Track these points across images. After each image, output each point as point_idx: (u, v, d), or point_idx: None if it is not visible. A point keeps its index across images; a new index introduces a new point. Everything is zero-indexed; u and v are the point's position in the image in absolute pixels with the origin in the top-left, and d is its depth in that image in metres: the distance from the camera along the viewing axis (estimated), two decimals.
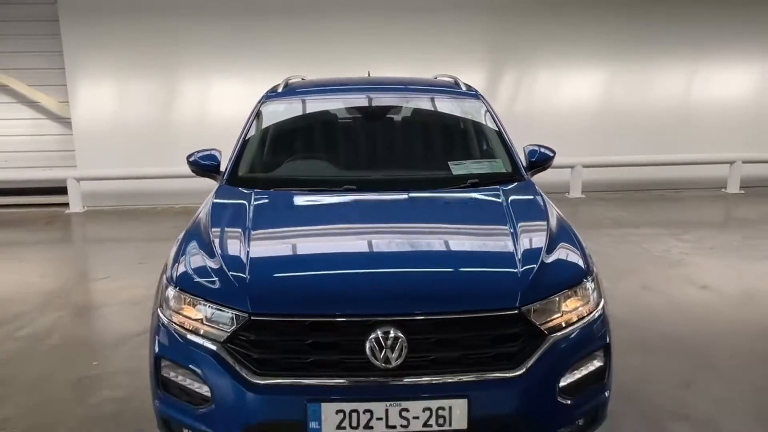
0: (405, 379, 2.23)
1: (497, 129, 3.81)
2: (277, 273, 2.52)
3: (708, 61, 9.22)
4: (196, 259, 2.60)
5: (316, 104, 4.13)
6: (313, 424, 2.19)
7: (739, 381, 3.61)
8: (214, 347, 2.30)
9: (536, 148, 3.73)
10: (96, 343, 4.34)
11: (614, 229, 7.08)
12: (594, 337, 2.46)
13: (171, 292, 2.49)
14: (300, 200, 3.20)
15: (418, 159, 3.71)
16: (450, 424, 2.20)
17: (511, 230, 2.72)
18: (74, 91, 8.54)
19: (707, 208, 8.32)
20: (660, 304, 4.78)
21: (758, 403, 3.38)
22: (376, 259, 2.58)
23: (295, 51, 8.49)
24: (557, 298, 2.40)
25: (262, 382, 2.23)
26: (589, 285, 2.54)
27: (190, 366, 2.34)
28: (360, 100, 4.05)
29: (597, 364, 2.48)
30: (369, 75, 4.82)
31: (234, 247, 2.61)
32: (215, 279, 2.44)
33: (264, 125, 3.87)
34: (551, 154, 3.71)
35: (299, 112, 4.09)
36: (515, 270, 2.45)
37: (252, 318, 2.27)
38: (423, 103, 4.11)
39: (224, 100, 8.62)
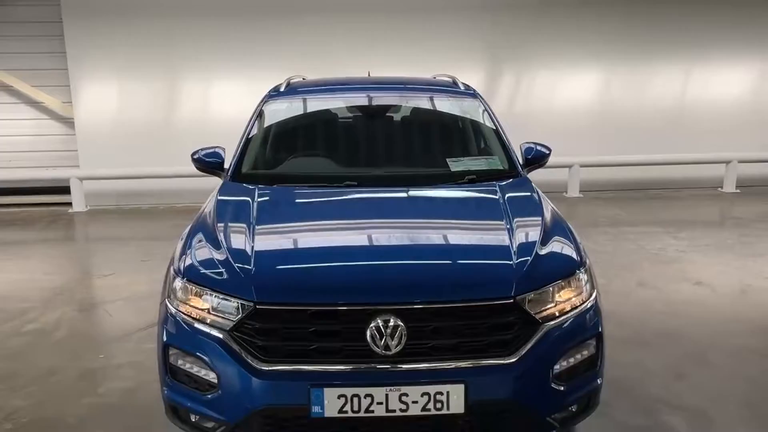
0: (404, 366, 2.32)
1: (494, 127, 3.90)
2: (281, 264, 2.62)
3: (704, 62, 9.32)
4: (203, 251, 2.70)
5: (317, 103, 4.22)
6: (316, 408, 2.28)
7: (731, 373, 3.70)
8: (220, 335, 2.39)
9: (532, 145, 3.83)
10: (101, 337, 4.43)
11: (611, 227, 7.17)
12: (586, 326, 2.55)
13: (178, 283, 2.59)
14: (302, 195, 3.29)
15: (417, 156, 3.80)
16: (447, 409, 2.30)
17: (507, 224, 2.81)
18: (77, 91, 8.63)
19: (703, 207, 8.41)
20: (655, 300, 4.87)
21: (749, 393, 3.47)
22: (376, 251, 2.68)
23: (296, 52, 8.58)
24: (551, 289, 2.50)
25: (267, 368, 2.32)
26: (582, 276, 2.63)
27: (198, 353, 2.43)
28: (360, 99, 4.15)
29: (589, 352, 2.57)
30: (369, 75, 4.91)
31: (239, 240, 2.70)
32: (221, 270, 2.53)
33: (266, 124, 3.97)
34: (547, 152, 3.80)
35: (301, 111, 4.19)
36: (510, 262, 2.54)
37: (257, 307, 2.36)
38: (422, 102, 4.21)
39: (225, 100, 8.72)
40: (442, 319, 2.36)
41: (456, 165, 3.51)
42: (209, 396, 2.42)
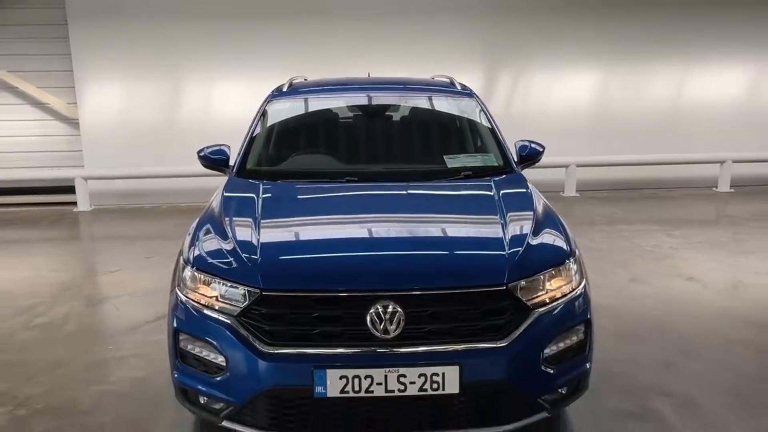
0: (402, 348, 2.45)
1: (490, 126, 4.04)
2: (286, 254, 2.76)
3: (699, 63, 9.47)
4: (211, 242, 2.83)
5: (319, 102, 4.36)
6: (319, 389, 2.42)
7: (718, 363, 3.83)
8: (228, 320, 2.53)
9: (527, 143, 3.96)
10: (109, 330, 4.56)
11: (606, 225, 7.31)
12: (575, 312, 2.69)
13: (188, 272, 2.72)
14: (304, 190, 3.43)
15: (415, 153, 3.94)
16: (443, 389, 2.43)
17: (500, 217, 2.94)
18: (82, 92, 8.78)
19: (698, 206, 8.54)
20: (647, 295, 5.01)
21: (734, 382, 3.60)
22: (376, 241, 2.81)
23: (297, 53, 8.72)
24: (542, 277, 2.63)
25: (272, 351, 2.46)
26: (572, 266, 2.76)
27: (207, 338, 2.57)
28: (361, 99, 4.30)
29: (578, 337, 2.70)
30: (369, 75, 5.05)
31: (245, 232, 2.83)
32: (229, 260, 2.67)
33: (270, 122, 4.11)
34: (540, 149, 3.93)
35: (303, 110, 4.32)
36: (503, 252, 2.68)
37: (263, 293, 2.49)
38: (420, 101, 4.35)
39: (228, 100, 8.87)
40: (438, 304, 2.49)
41: (452, 161, 3.65)
42: (218, 378, 2.55)
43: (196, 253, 2.79)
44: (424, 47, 8.85)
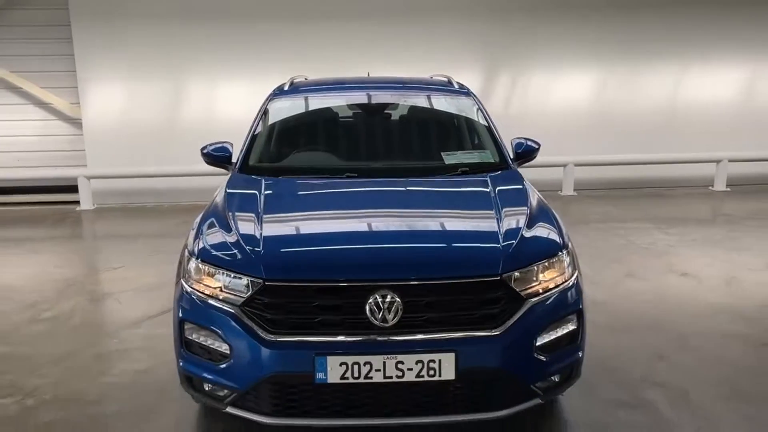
0: (400, 336, 2.54)
1: (487, 124, 4.13)
2: (288, 246, 2.86)
3: (695, 64, 9.55)
4: (215, 235, 2.93)
5: (319, 101, 4.46)
6: (320, 375, 2.51)
7: (712, 356, 3.91)
8: (232, 310, 2.62)
9: (522, 140, 4.06)
10: (113, 324, 4.64)
11: (603, 223, 7.39)
12: (567, 303, 2.78)
13: (193, 264, 2.81)
14: (306, 186, 3.52)
15: (413, 150, 4.04)
16: (440, 375, 2.52)
17: (496, 210, 3.04)
18: (85, 93, 8.86)
19: (694, 204, 8.63)
20: (642, 290, 5.09)
21: (725, 373, 3.68)
22: (375, 234, 2.91)
23: (298, 54, 8.80)
24: (535, 268, 2.73)
25: (275, 339, 2.55)
26: (565, 258, 2.86)
27: (211, 327, 2.66)
28: (360, 97, 4.40)
29: (570, 327, 2.79)
30: (368, 75, 5.15)
31: (248, 226, 2.92)
32: (233, 251, 2.76)
33: (271, 120, 4.20)
34: (536, 146, 4.03)
35: (304, 109, 4.42)
36: (498, 244, 2.77)
37: (266, 284, 2.58)
38: (419, 100, 4.45)
39: (229, 100, 8.95)
40: (434, 294, 2.58)
41: (450, 158, 3.74)
42: (222, 366, 2.64)
43: (201, 245, 2.88)
44: (423, 48, 8.94)
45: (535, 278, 2.71)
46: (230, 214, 3.06)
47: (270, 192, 3.33)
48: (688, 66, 9.55)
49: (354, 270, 2.62)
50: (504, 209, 3.05)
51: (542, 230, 2.96)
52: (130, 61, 8.83)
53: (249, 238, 2.80)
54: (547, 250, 2.83)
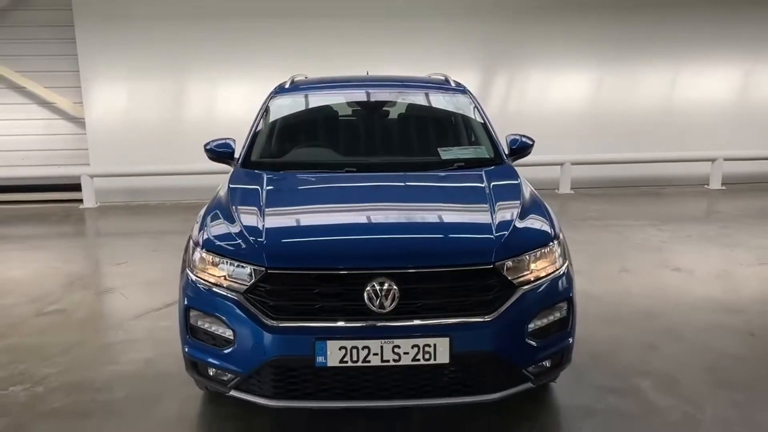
0: (397, 322, 2.65)
1: (482, 121, 4.25)
2: (289, 235, 2.97)
3: (691, 64, 9.68)
4: (220, 227, 3.04)
5: (319, 98, 4.57)
6: (320, 359, 2.62)
7: (701, 346, 4.02)
8: (236, 297, 2.73)
9: (517, 137, 4.17)
10: (119, 316, 4.74)
11: (599, 220, 7.51)
12: (558, 291, 2.89)
13: (198, 254, 2.92)
14: (306, 180, 3.63)
15: (411, 146, 4.15)
16: (435, 359, 2.63)
17: (490, 203, 3.15)
18: (88, 92, 9.00)
19: (689, 202, 8.75)
20: (635, 284, 5.21)
21: (713, 362, 3.79)
22: (373, 224, 3.03)
23: (298, 54, 8.91)
24: (527, 257, 2.83)
25: (277, 324, 2.66)
26: (556, 248, 2.96)
27: (216, 314, 2.77)
28: (359, 95, 4.51)
29: (561, 314, 2.90)
30: (368, 74, 5.26)
31: (251, 217, 3.03)
32: (237, 242, 2.87)
33: (273, 117, 4.31)
34: (530, 143, 4.14)
35: (304, 106, 4.53)
36: (491, 235, 2.88)
37: (268, 271, 2.69)
38: (416, 97, 4.56)
39: (230, 99, 9.09)
40: (430, 282, 2.69)
41: (446, 153, 3.86)
42: (226, 351, 2.75)
43: (206, 236, 2.98)
44: (422, 48, 9.07)
45: (526, 267, 2.82)
46: (234, 206, 3.17)
47: (272, 186, 3.44)
48: (683, 66, 9.68)
49: (353, 259, 2.72)
50: (497, 202, 3.16)
51: (534, 222, 3.08)
52: (132, 60, 8.96)
53: (252, 229, 2.91)
54: (539, 241, 2.94)
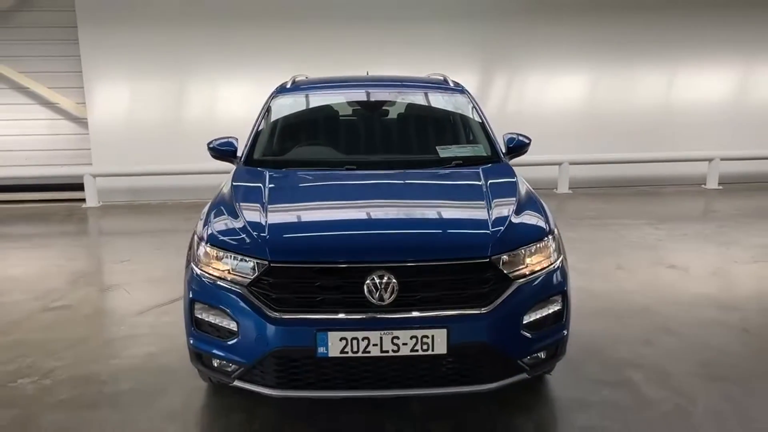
0: (396, 314, 2.73)
1: (480, 120, 4.33)
2: (291, 230, 3.06)
3: (688, 64, 9.77)
4: (223, 222, 3.12)
5: (320, 98, 4.65)
6: (321, 349, 2.70)
7: (694, 341, 4.10)
8: (240, 290, 2.81)
9: (514, 135, 4.25)
10: (122, 312, 4.82)
11: (596, 219, 7.59)
12: (553, 284, 2.97)
13: (203, 248, 3.00)
14: (307, 177, 3.71)
15: (410, 144, 4.24)
16: (432, 350, 2.71)
17: (486, 199, 3.23)
18: (90, 93, 9.08)
19: (686, 202, 8.83)
20: (631, 281, 5.29)
21: (705, 356, 3.87)
22: (373, 219, 3.12)
23: (299, 55, 8.99)
24: (522, 251, 2.92)
25: (279, 316, 2.74)
26: (551, 243, 3.05)
27: (220, 306, 2.85)
28: (359, 95, 4.60)
29: (556, 307, 2.98)
30: (368, 74, 5.34)
31: (254, 212, 3.12)
32: (241, 236, 2.95)
33: (275, 116, 4.40)
34: (527, 141, 4.22)
35: (305, 106, 4.61)
36: (488, 230, 2.96)
37: (271, 265, 2.78)
38: (415, 97, 4.65)
39: (231, 100, 9.17)
40: (428, 275, 2.77)
41: (444, 152, 3.94)
42: (230, 342, 2.83)
43: (210, 231, 3.07)
44: (422, 49, 9.15)
45: (522, 261, 2.90)
46: (237, 203, 3.25)
47: (274, 183, 3.52)
48: (681, 66, 9.77)
49: (353, 253, 2.80)
50: (494, 198, 3.24)
51: (529, 217, 3.16)
52: (134, 61, 9.05)
53: (255, 225, 2.99)
54: (534, 236, 3.02)
